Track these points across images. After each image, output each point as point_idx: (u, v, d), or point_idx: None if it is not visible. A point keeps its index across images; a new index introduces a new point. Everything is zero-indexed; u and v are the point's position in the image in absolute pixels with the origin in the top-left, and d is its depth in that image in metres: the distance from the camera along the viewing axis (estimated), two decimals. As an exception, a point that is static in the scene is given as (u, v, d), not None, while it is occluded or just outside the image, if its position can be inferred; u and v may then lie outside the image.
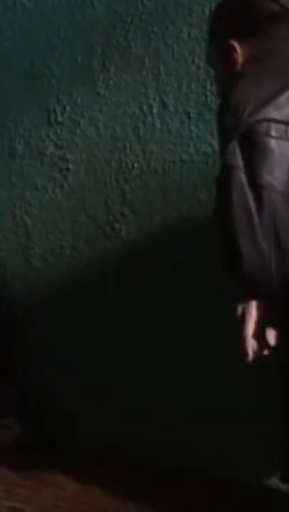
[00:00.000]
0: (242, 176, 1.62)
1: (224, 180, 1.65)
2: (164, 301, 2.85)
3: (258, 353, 1.80)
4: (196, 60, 2.78)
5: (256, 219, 1.61)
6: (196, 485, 2.59)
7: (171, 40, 2.84)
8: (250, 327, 1.80)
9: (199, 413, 2.76)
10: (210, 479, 2.59)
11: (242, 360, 1.78)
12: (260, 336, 1.79)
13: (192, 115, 2.81)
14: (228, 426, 2.70)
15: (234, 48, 1.83)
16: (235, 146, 1.63)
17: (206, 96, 2.78)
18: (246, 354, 1.79)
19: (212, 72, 2.56)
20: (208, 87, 2.75)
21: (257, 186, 1.62)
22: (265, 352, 1.80)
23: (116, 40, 2.96)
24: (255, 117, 1.63)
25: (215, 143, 2.71)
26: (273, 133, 1.63)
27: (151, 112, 2.89)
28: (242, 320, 1.80)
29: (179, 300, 2.82)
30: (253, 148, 1.63)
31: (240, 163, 1.63)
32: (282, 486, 2.33)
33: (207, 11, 2.70)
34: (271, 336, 1.79)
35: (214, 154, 2.71)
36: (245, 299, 1.80)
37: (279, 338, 1.80)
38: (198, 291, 2.75)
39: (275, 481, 2.48)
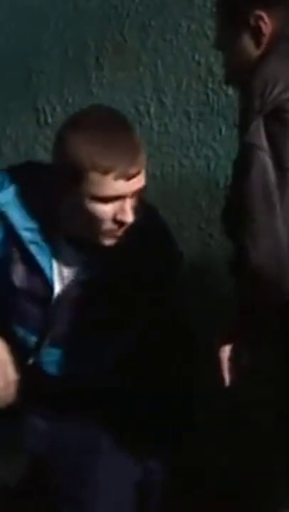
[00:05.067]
0: (265, 158, 1.59)
1: (244, 160, 1.62)
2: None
3: (234, 377, 1.82)
4: (197, 57, 2.73)
5: (278, 205, 1.58)
6: (196, 486, 2.59)
7: (169, 34, 2.77)
8: (227, 349, 1.82)
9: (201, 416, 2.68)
10: (210, 480, 2.62)
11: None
12: (236, 358, 1.82)
13: (192, 116, 2.77)
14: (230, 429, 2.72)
15: (262, 19, 1.73)
16: (259, 125, 1.60)
17: (207, 95, 2.73)
18: (223, 379, 1.82)
19: (214, 69, 2.62)
20: (210, 85, 2.71)
21: (283, 170, 1.58)
22: (242, 375, 1.82)
23: (110, 35, 2.91)
24: (285, 96, 1.60)
25: (216, 145, 2.70)
26: None
27: (148, 112, 2.86)
28: (220, 342, 1.82)
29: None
30: (281, 126, 1.59)
31: (265, 143, 1.59)
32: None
33: (208, 4, 2.63)
34: (246, 358, 1.82)
35: (216, 158, 2.70)
36: (247, 302, 1.76)
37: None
38: (196, 297, 2.68)
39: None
